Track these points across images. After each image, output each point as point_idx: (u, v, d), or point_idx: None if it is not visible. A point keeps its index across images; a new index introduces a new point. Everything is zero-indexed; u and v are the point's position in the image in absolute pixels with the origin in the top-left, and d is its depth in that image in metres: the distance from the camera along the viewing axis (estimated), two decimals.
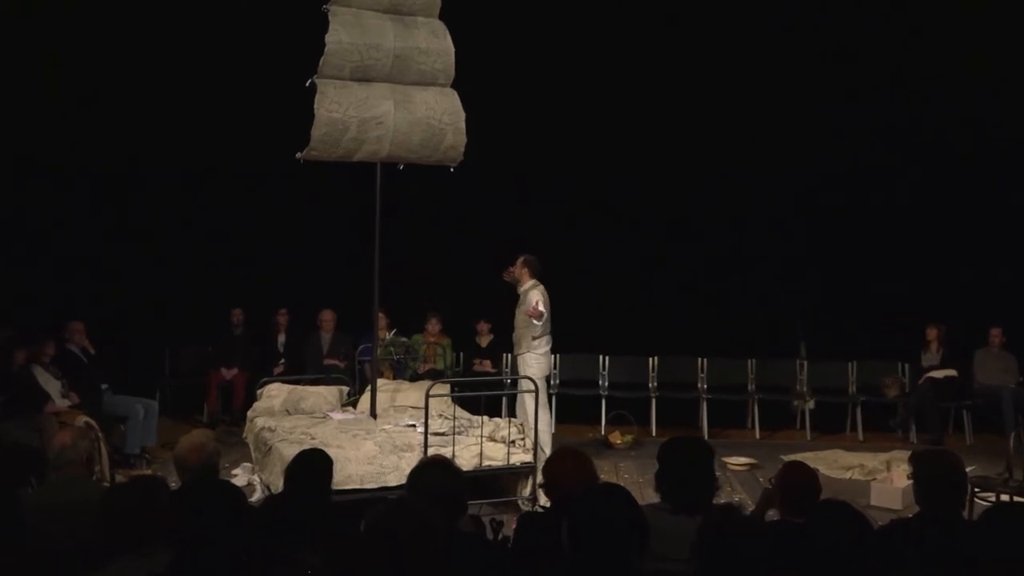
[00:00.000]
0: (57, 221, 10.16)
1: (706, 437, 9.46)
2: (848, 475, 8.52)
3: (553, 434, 9.63)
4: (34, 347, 8.33)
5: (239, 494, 3.44)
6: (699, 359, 10.63)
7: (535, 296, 8.30)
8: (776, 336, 10.54)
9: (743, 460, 8.78)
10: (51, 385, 8.27)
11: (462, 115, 7.86)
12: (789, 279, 10.72)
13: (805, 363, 10.52)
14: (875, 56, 10.34)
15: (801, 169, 10.55)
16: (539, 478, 6.30)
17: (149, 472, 7.96)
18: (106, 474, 7.27)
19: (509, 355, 9.74)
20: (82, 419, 7.57)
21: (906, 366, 10.48)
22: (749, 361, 10.59)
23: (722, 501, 5.41)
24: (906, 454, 7.30)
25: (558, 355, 10.66)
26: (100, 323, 9.37)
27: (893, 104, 10.38)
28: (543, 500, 6.42)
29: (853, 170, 10.60)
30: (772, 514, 4.29)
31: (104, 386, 8.90)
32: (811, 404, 10.29)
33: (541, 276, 8.47)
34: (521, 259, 8.54)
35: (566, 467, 4.08)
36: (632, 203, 10.78)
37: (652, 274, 10.87)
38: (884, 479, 7.99)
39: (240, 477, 7.87)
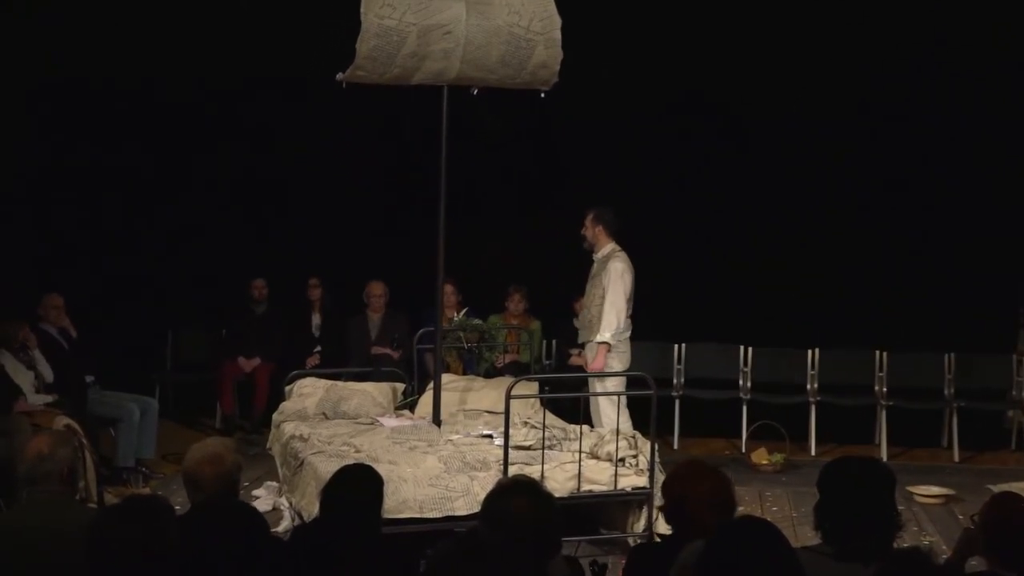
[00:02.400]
0: (29, 170, 10.39)
1: (885, 458, 9.38)
2: None
3: (676, 450, 9.66)
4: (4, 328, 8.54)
5: (262, 521, 3.51)
6: (876, 352, 10.48)
7: (619, 268, 8.31)
8: (984, 324, 10.34)
9: (936, 490, 8.73)
10: (22, 376, 8.42)
11: (558, 22, 7.80)
12: (1001, 247, 10.46)
13: None
14: None
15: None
16: (657, 500, 6.30)
17: (146, 490, 8.18)
18: (92, 492, 7.45)
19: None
20: (62, 421, 7.76)
21: None
22: (946, 356, 10.42)
23: (906, 545, 5.35)
24: None
25: (683, 345, 10.63)
26: (84, 297, 9.60)
27: None
28: (661, 528, 6.44)
29: None
30: (975, 563, 4.26)
31: (90, 379, 9.10)
32: None
33: (621, 235, 8.48)
34: (591, 215, 8.53)
35: (697, 487, 4.09)
36: (784, 149, 10.66)
37: (810, 243, 10.67)
38: None
39: (263, 500, 8.05)
